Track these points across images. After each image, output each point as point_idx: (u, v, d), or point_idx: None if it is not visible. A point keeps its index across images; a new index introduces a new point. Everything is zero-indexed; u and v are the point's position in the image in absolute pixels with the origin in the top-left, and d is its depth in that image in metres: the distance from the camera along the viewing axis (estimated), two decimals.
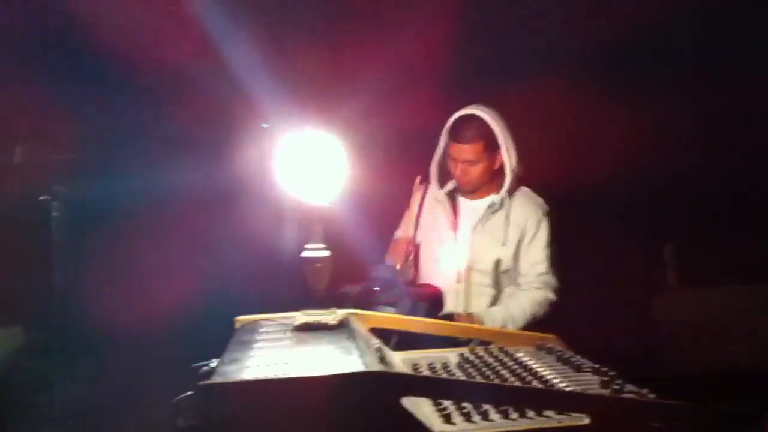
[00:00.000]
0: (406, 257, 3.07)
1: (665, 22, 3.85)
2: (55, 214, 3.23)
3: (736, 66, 3.92)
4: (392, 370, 1.58)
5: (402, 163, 3.22)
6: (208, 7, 3.13)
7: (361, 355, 1.58)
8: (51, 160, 3.44)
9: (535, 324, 2.93)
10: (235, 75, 2.86)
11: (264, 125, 3.36)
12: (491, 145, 3.03)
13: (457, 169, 3.06)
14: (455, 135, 3.06)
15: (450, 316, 2.88)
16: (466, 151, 3.03)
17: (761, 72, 3.84)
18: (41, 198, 3.24)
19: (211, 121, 3.18)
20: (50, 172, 3.38)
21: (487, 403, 1.45)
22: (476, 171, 3.05)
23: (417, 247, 3.21)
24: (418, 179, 3.14)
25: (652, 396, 1.52)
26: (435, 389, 1.42)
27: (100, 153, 3.51)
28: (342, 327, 1.87)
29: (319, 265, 1.84)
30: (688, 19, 3.88)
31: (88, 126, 3.59)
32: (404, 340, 2.27)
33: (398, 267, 2.99)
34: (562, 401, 1.44)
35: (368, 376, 1.41)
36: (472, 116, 3.05)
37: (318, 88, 3.35)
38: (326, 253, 1.86)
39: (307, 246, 1.87)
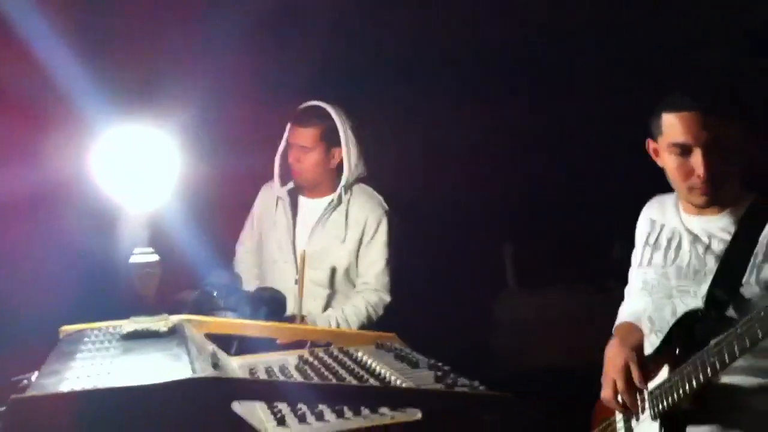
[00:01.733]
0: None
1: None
2: None
3: (560, 78, 4.13)
4: (223, 376, 1.53)
5: (241, 163, 3.15)
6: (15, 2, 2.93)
7: (191, 362, 1.52)
8: None
9: (376, 325, 2.95)
10: (48, 70, 2.69)
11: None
12: (329, 136, 3.03)
13: (294, 156, 3.05)
14: (296, 119, 3.05)
15: (292, 319, 2.86)
16: (303, 135, 3.02)
17: (582, 84, 4.06)
18: None
19: (24, 120, 2.98)
20: None
21: (320, 403, 1.44)
22: (311, 159, 3.03)
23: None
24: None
25: (482, 389, 1.56)
26: (266, 392, 1.39)
27: None
28: (173, 334, 1.79)
29: (147, 270, 1.76)
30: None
31: None
32: (248, 346, 2.22)
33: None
34: (395, 398, 1.44)
35: (196, 382, 1.35)
36: (317, 105, 3.06)
37: (144, 79, 3.21)
38: (155, 258, 1.78)
39: (135, 251, 1.79)
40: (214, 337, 2.04)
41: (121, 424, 1.29)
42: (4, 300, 2.79)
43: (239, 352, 2.20)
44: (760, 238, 1.95)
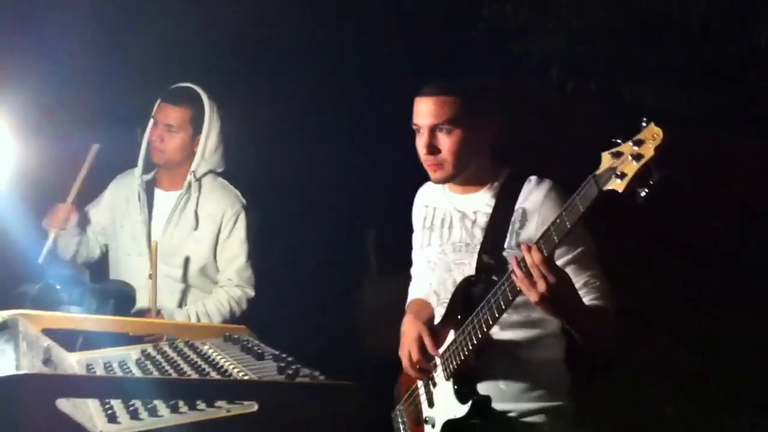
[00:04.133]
0: (64, 222, 2.88)
1: None
2: None
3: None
4: (49, 372, 1.47)
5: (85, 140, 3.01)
6: None
7: (18, 358, 1.45)
8: None
9: (240, 320, 2.91)
10: None
11: None
12: (196, 120, 2.96)
13: (155, 135, 2.96)
14: (166, 97, 2.97)
15: (142, 313, 2.78)
16: (171, 114, 2.94)
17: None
18: None
19: None
20: None
21: (153, 398, 1.41)
22: (174, 141, 2.95)
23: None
24: (95, 147, 2.96)
25: (322, 379, 1.57)
26: (93, 389, 1.35)
27: None
28: (4, 329, 1.71)
29: None
30: None
31: None
32: (97, 341, 2.14)
33: (53, 234, 2.82)
34: (232, 390, 1.43)
35: (19, 379, 1.29)
36: (189, 87, 2.99)
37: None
38: None
39: None
40: (58, 333, 1.96)
41: None
42: None
43: (87, 347, 2.11)
44: (515, 207, 2.18)
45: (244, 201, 3.04)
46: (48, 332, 1.93)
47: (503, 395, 2.17)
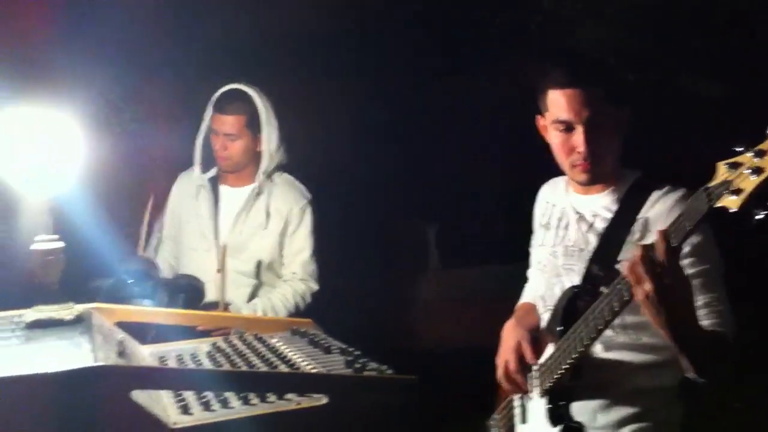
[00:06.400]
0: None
1: None
2: None
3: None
4: (125, 364, 1.50)
5: (156, 146, 3.09)
6: None
7: (94, 350, 1.49)
8: None
9: (301, 313, 2.94)
10: None
11: None
12: (254, 122, 2.99)
13: (218, 144, 3.00)
14: (218, 106, 3.00)
15: (211, 307, 2.83)
16: (228, 123, 2.97)
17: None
18: None
19: None
20: None
21: (225, 390, 1.42)
22: (237, 147, 2.99)
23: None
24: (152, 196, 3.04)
25: (389, 373, 1.57)
26: (167, 380, 1.37)
27: None
28: (79, 322, 1.75)
29: (50, 257, 1.71)
30: None
31: None
32: (169, 334, 2.18)
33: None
34: (301, 383, 1.44)
35: (95, 370, 1.32)
36: (238, 89, 3.01)
37: (29, 58, 3.11)
38: (58, 245, 1.73)
39: (36, 238, 1.73)
40: (130, 326, 2.00)
41: (21, 412, 1.26)
42: None
43: (158, 340, 2.16)
44: (638, 216, 1.96)
45: (309, 196, 3.08)
46: (121, 325, 1.98)
47: (598, 424, 1.99)
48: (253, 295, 3.01)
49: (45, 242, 1.72)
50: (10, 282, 2.05)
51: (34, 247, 1.71)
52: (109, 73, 3.15)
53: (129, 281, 2.53)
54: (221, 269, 2.89)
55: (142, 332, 2.18)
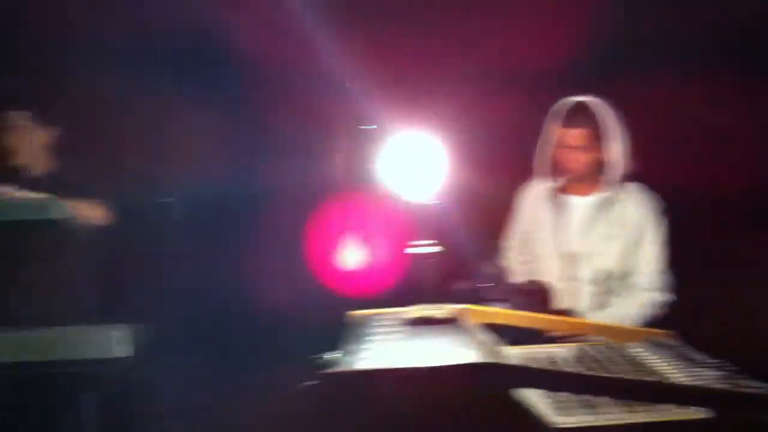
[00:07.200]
0: None
1: None
2: (174, 215, 3.41)
3: None
4: (506, 362, 1.59)
5: (507, 159, 3.20)
6: (305, 8, 3.21)
7: (473, 348, 1.59)
8: (167, 165, 3.62)
9: (651, 324, 2.87)
10: (336, 77, 2.93)
11: (363, 127, 3.42)
12: (600, 134, 2.99)
13: (564, 157, 3.03)
14: (566, 120, 3.03)
15: (561, 314, 2.86)
16: (577, 136, 2.99)
17: None
18: (162, 201, 3.42)
19: (318, 122, 3.27)
20: (169, 176, 3.56)
21: (606, 396, 1.45)
22: (585, 159, 3.00)
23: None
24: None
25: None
26: (551, 381, 1.43)
27: (213, 156, 3.67)
28: (454, 322, 1.89)
29: (430, 261, 1.87)
30: None
31: (199, 131, 3.76)
32: (515, 337, 2.27)
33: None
34: (684, 395, 1.42)
35: (483, 367, 1.43)
36: (582, 102, 3.03)
37: (416, 87, 3.38)
38: (437, 249, 1.89)
39: (416, 243, 1.90)
40: (487, 328, 2.11)
41: (415, 400, 1.40)
42: (291, 286, 3.08)
43: (510, 343, 2.25)
44: None
45: (662, 205, 3.00)
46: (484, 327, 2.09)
47: None
48: (600, 305, 3.00)
49: (424, 247, 1.88)
50: (393, 283, 2.27)
51: (415, 250, 1.89)
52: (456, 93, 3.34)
53: (486, 285, 2.66)
54: (569, 277, 2.92)
55: (499, 335, 2.29)
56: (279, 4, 3.44)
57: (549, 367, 1.78)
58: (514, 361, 1.81)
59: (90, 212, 3.09)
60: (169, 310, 3.26)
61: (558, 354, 1.99)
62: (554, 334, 2.41)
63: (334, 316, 2.05)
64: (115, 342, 2.54)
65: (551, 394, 1.51)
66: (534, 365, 1.83)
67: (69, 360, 2.58)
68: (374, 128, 3.30)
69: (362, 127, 3.33)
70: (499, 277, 2.76)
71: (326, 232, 3.28)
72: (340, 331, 1.85)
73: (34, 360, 2.56)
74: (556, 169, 3.09)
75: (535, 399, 1.52)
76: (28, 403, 2.70)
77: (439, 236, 1.97)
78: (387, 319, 1.97)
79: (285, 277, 3.34)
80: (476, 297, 2.60)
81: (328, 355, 1.65)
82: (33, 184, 3.16)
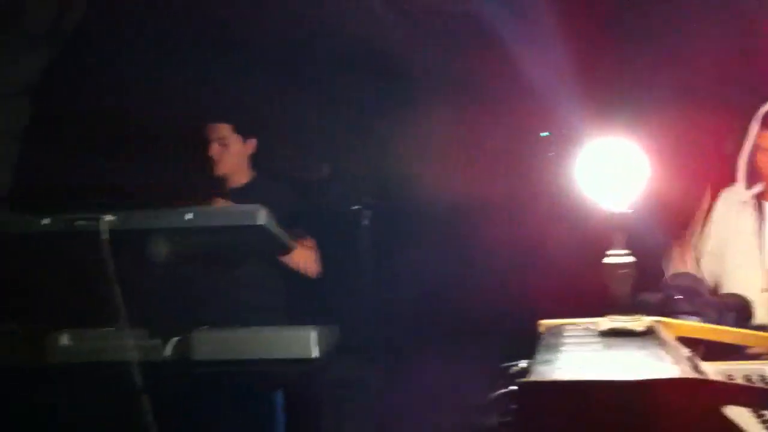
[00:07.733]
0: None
1: None
2: (364, 222, 3.53)
3: None
4: (710, 378, 1.53)
5: (702, 168, 3.08)
6: (498, 15, 3.23)
7: (675, 362, 1.54)
8: (358, 174, 3.76)
9: None
10: (539, 86, 2.93)
11: (544, 134, 3.40)
12: None
13: (764, 160, 2.87)
14: (765, 121, 2.87)
15: (763, 328, 2.70)
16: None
17: None
18: (353, 208, 3.56)
19: (508, 130, 3.29)
20: (359, 184, 3.69)
21: None
22: None
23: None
24: None
25: None
26: (762, 399, 1.36)
27: (400, 165, 3.76)
28: (649, 334, 1.84)
29: (623, 271, 1.83)
30: None
31: (385, 141, 3.88)
32: (711, 352, 2.17)
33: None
34: None
35: (686, 382, 1.38)
36: None
37: (616, 94, 3.32)
38: (631, 259, 1.85)
39: (610, 252, 1.87)
40: (679, 340, 2.03)
41: (611, 414, 1.37)
42: (485, 294, 3.10)
43: (704, 358, 2.15)
44: None
45: None
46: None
47: None
48: None
49: (619, 256, 1.85)
50: (585, 292, 2.24)
51: (608, 260, 1.85)
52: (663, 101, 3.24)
53: (677, 297, 2.56)
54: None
55: (691, 349, 2.20)
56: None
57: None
58: (716, 377, 1.73)
59: (303, 257, 3.27)
60: (360, 313, 3.39)
61: (763, 371, 1.88)
62: (752, 350, 2.29)
63: (525, 325, 2.05)
64: (312, 342, 2.65)
65: (760, 413, 1.44)
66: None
67: (266, 359, 2.72)
68: (551, 135, 3.28)
69: (541, 134, 3.32)
70: (690, 288, 2.64)
71: (522, 240, 3.29)
72: (532, 340, 1.85)
73: (236, 358, 2.73)
74: (758, 174, 2.93)
75: (743, 418, 1.46)
76: (225, 400, 2.88)
77: (631, 245, 1.92)
78: (578, 329, 1.95)
79: (477, 284, 3.38)
80: (666, 309, 2.51)
81: (522, 364, 1.66)
82: (238, 192, 3.40)
